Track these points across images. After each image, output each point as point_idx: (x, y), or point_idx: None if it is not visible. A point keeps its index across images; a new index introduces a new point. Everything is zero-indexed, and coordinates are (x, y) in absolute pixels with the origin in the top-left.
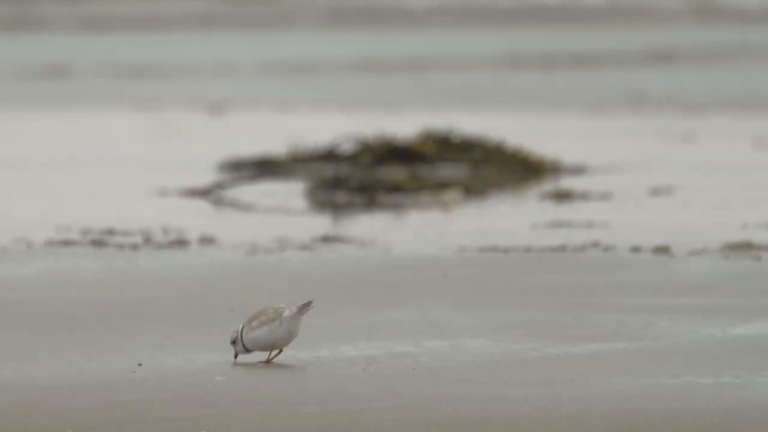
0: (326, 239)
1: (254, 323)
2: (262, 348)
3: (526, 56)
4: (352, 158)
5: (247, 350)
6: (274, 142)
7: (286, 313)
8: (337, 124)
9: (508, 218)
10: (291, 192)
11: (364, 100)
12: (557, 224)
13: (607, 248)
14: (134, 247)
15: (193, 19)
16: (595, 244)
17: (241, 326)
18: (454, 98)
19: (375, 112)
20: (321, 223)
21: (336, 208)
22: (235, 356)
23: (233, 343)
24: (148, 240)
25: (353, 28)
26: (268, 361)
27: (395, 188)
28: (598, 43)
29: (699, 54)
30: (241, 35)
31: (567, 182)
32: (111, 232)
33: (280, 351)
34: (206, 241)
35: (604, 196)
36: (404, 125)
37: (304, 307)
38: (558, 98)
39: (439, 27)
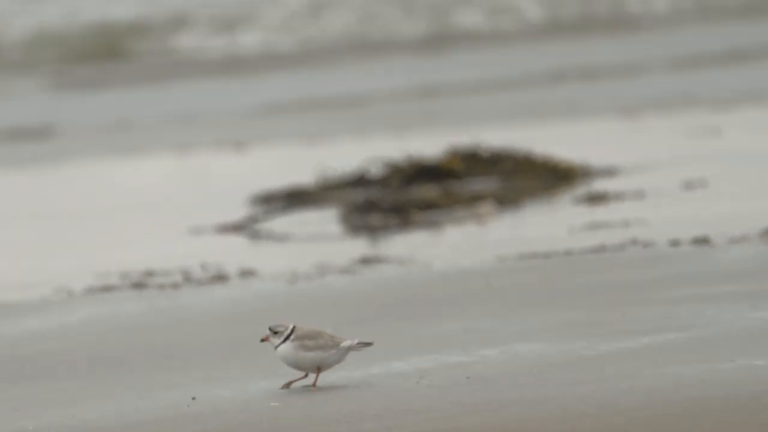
0: (366, 261)
1: (309, 343)
2: (303, 368)
3: (531, 74)
4: (382, 181)
5: (275, 348)
6: (301, 174)
7: (345, 344)
8: (358, 151)
9: (545, 224)
10: (325, 219)
11: (381, 126)
12: (594, 226)
13: (646, 244)
14: (175, 286)
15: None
16: (634, 242)
17: (291, 326)
18: (473, 117)
19: (396, 137)
20: (358, 246)
21: (372, 231)
22: (263, 339)
23: (275, 333)
24: (188, 278)
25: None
26: (314, 386)
27: (428, 206)
28: (608, 54)
29: (707, 56)
30: (229, 82)
31: (599, 185)
32: (150, 273)
33: (319, 372)
34: (246, 273)
35: (638, 195)
36: (426, 146)
37: (365, 345)
38: (576, 107)
39: (437, 55)
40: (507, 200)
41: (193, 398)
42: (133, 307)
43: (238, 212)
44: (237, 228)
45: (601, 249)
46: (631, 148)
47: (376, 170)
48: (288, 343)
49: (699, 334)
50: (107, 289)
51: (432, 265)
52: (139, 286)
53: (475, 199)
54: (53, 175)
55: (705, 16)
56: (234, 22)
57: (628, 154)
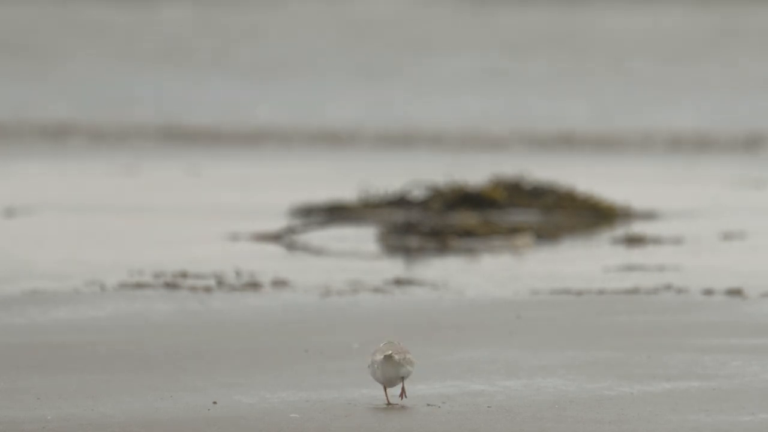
0: (399, 282)
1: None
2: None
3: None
4: (423, 204)
5: None
6: (344, 189)
7: (378, 356)
8: (407, 171)
9: (580, 262)
10: (362, 237)
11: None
12: (629, 268)
13: (679, 291)
14: (207, 289)
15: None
16: (668, 287)
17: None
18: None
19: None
20: (393, 267)
21: (408, 253)
22: None
23: None
24: (221, 282)
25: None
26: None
27: (467, 233)
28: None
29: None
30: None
31: (638, 227)
32: (184, 275)
33: (402, 387)
34: (279, 283)
35: (676, 241)
36: (473, 173)
37: (386, 359)
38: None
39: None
40: (545, 234)
41: (214, 402)
42: (164, 307)
43: (278, 222)
44: (274, 238)
45: (634, 291)
46: (673, 194)
47: (418, 192)
48: None
49: (722, 385)
50: (140, 286)
51: (464, 292)
52: (171, 286)
53: (513, 230)
54: (97, 170)
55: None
56: None
57: (670, 199)
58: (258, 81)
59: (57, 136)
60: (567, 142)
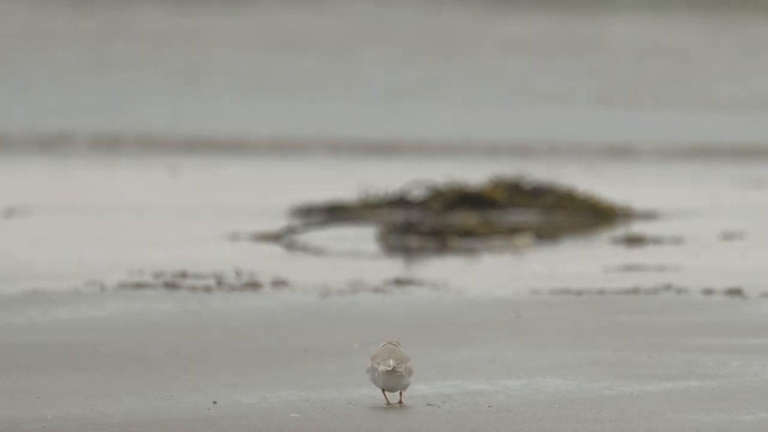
0: (399, 282)
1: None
2: None
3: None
4: (423, 204)
5: None
6: (344, 189)
7: (381, 368)
8: (405, 171)
9: (580, 262)
10: (362, 237)
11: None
12: (629, 268)
13: (679, 291)
14: (207, 289)
15: None
16: (668, 287)
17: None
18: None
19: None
20: (393, 267)
21: (408, 252)
22: None
23: None
24: (221, 282)
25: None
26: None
27: (467, 233)
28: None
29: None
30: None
31: (638, 227)
32: (184, 275)
33: (400, 393)
34: (279, 283)
35: (676, 241)
36: (473, 173)
37: (388, 372)
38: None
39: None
40: (545, 234)
41: (215, 402)
42: (164, 307)
43: (278, 222)
44: (274, 238)
45: (634, 291)
46: (672, 194)
47: (418, 193)
48: None
49: (722, 384)
50: (139, 286)
51: (464, 292)
52: (171, 286)
53: (513, 230)
54: (98, 172)
55: None
56: None
57: (670, 199)
58: (261, 95)
59: (57, 141)
60: (566, 150)
